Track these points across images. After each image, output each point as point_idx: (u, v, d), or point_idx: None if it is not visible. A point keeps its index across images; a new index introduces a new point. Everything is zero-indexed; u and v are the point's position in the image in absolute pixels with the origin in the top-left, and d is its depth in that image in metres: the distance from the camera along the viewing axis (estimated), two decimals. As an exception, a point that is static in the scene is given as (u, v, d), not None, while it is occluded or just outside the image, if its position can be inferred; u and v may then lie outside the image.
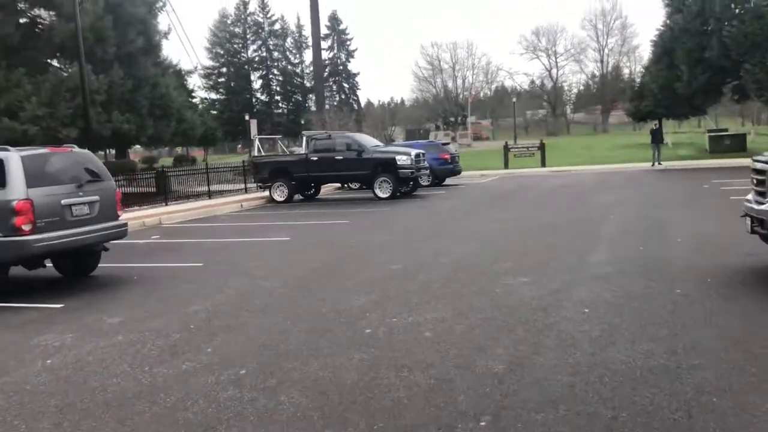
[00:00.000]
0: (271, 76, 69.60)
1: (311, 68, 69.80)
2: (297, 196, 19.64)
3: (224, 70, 67.33)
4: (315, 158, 18.83)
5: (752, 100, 37.54)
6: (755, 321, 4.99)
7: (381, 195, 18.04)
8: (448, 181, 23.29)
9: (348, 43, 75.04)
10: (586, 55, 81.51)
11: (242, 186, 22.39)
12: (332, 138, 19.73)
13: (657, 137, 26.57)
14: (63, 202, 7.33)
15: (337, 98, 73.37)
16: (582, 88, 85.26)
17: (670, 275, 6.62)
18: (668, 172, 23.64)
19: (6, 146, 7.53)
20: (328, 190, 22.44)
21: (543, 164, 29.02)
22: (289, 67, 70.61)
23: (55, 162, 7.67)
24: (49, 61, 26.95)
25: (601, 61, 78.64)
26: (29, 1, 25.19)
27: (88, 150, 8.95)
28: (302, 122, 62.65)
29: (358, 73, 76.84)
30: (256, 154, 24.67)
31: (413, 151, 18.56)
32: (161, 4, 29.92)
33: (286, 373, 4.35)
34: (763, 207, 6.07)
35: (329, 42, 73.70)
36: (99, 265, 8.58)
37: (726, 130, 37.21)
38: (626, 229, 10.09)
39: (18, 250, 6.99)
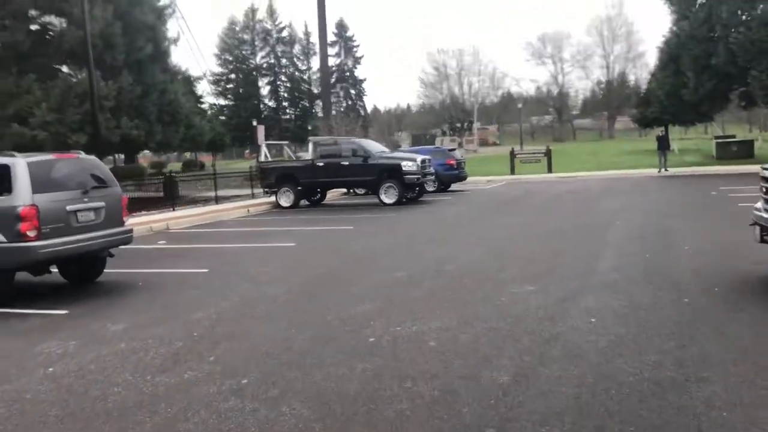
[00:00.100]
0: (278, 82, 69.86)
1: (318, 75, 70.00)
2: (303, 202, 19.64)
3: (233, 76, 67.70)
4: (321, 164, 18.84)
5: (759, 107, 37.32)
6: (764, 331, 4.91)
7: (386, 201, 18.00)
8: (453, 186, 23.23)
9: (355, 49, 75.33)
10: (591, 62, 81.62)
11: (249, 191, 22.44)
12: (338, 144, 19.73)
13: (663, 144, 26.43)
14: (68, 208, 7.33)
15: (344, 104, 73.50)
16: (588, 94, 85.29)
17: (677, 284, 6.55)
18: (675, 178, 23.47)
19: (12, 152, 7.57)
20: (333, 195, 22.45)
21: (549, 170, 28.92)
22: (297, 73, 70.90)
23: (61, 168, 7.68)
24: (58, 67, 27.20)
25: (607, 68, 78.68)
26: (40, 8, 25.44)
27: (96, 156, 8.97)
28: (309, 128, 62.73)
29: (365, 80, 77.18)
30: (263, 159, 24.73)
31: (419, 157, 18.52)
32: (170, 10, 30.19)
33: (288, 382, 4.31)
34: (772, 216, 6.00)
35: (336, 49, 74.04)
36: (105, 270, 8.58)
37: (734, 136, 36.91)
38: (633, 235, 10.01)
39: (23, 256, 6.99)
